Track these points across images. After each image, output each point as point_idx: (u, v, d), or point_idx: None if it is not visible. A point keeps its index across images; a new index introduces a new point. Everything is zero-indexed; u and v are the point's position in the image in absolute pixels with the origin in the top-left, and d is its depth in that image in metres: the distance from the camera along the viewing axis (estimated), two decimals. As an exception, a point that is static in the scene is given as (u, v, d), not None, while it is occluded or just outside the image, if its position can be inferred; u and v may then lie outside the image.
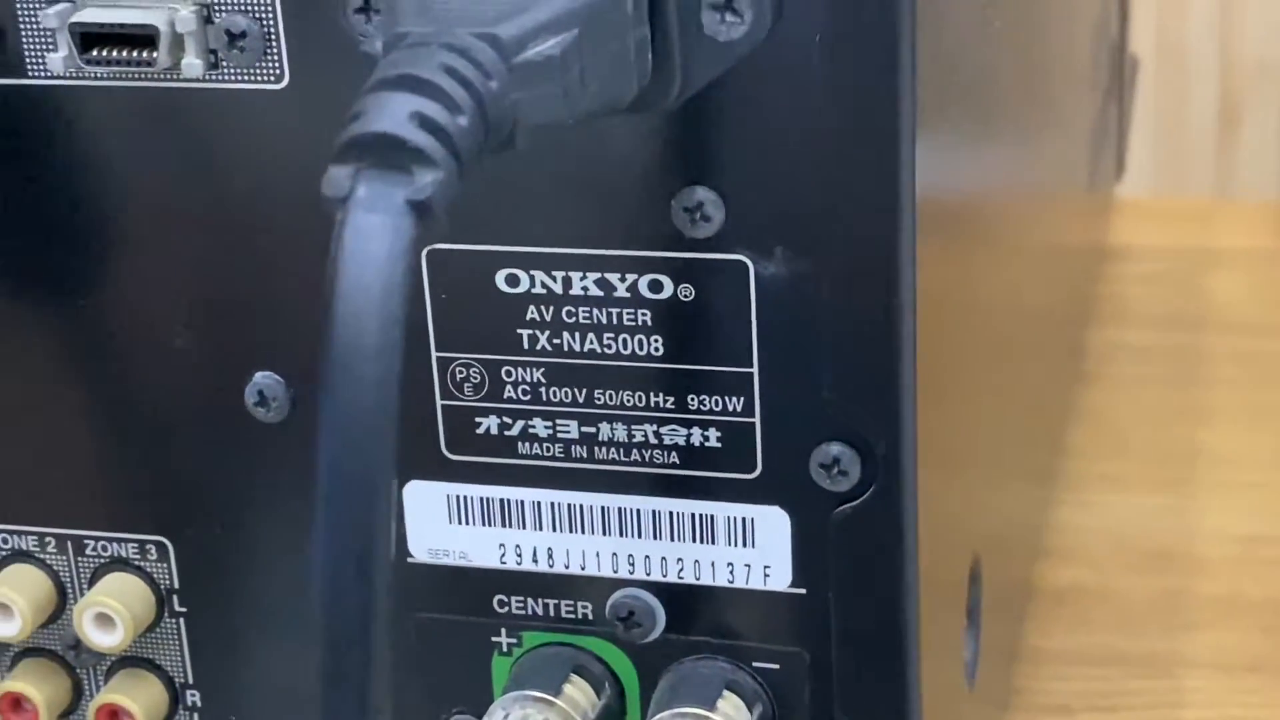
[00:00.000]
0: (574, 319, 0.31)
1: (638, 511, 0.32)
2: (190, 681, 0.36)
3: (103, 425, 0.34)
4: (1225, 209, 0.81)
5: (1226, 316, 0.68)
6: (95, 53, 0.31)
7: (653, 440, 0.32)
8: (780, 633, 0.32)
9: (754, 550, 0.32)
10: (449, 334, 0.32)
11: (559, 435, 0.32)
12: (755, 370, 0.31)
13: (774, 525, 0.32)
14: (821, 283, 0.30)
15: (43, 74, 0.32)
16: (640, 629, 0.33)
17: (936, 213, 0.31)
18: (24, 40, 0.32)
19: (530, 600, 0.33)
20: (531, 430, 0.32)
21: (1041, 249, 0.49)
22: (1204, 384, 0.63)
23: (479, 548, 0.33)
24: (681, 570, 0.32)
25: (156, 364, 0.33)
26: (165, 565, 0.35)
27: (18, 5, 0.31)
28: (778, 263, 0.30)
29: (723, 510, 0.32)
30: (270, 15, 0.30)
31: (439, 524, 0.33)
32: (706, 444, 0.31)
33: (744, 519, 0.32)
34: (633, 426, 0.32)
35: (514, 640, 0.34)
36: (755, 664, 0.32)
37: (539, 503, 0.32)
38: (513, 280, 0.31)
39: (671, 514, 0.32)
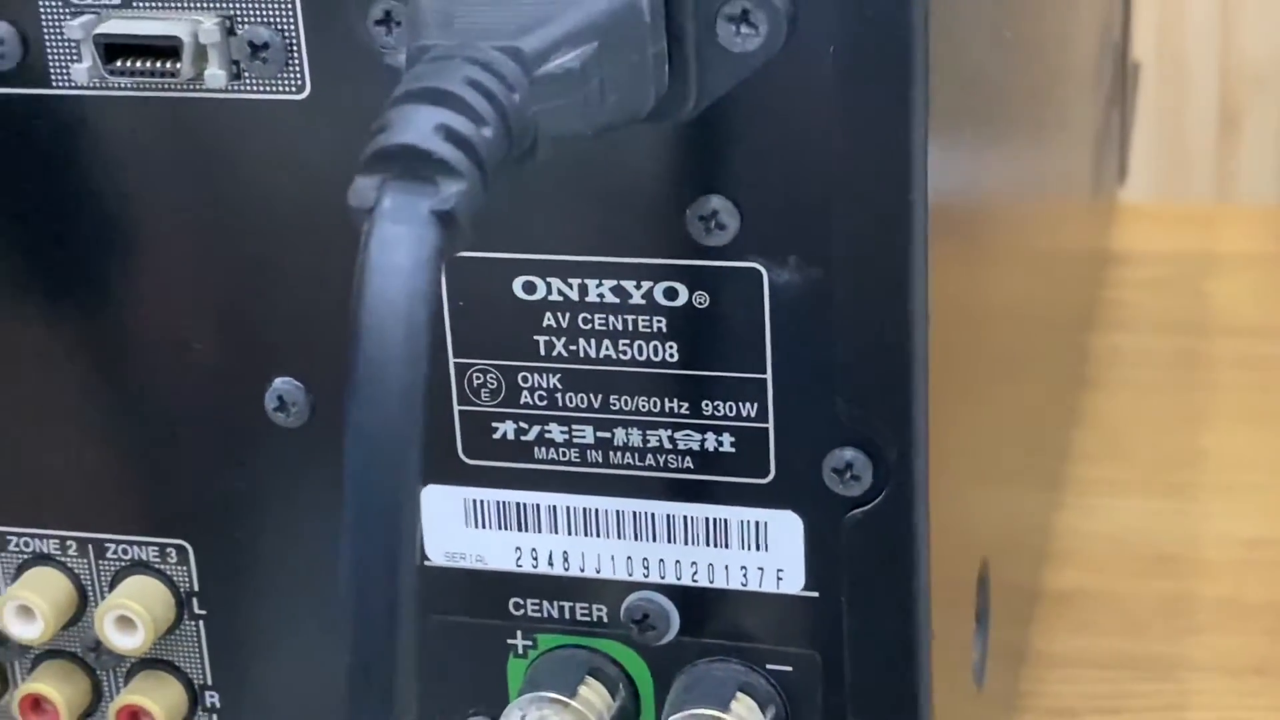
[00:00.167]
0: (590, 325, 0.32)
1: (652, 515, 0.32)
2: (209, 683, 0.36)
3: (123, 430, 0.34)
4: (1226, 214, 0.81)
5: (1228, 321, 0.68)
6: (119, 63, 0.31)
7: (667, 445, 0.32)
8: (793, 635, 0.33)
9: (767, 554, 0.32)
10: (466, 340, 0.32)
11: (575, 440, 0.32)
12: (769, 376, 0.31)
13: (787, 529, 0.32)
14: (835, 290, 0.30)
15: (67, 84, 0.32)
16: (655, 631, 0.33)
17: (948, 220, 0.31)
18: (48, 51, 0.32)
19: (546, 603, 0.34)
20: (548, 435, 0.32)
21: (1048, 254, 0.49)
22: (1206, 388, 0.64)
23: (495, 551, 0.33)
24: (695, 573, 0.33)
25: (177, 369, 0.34)
26: (185, 568, 0.35)
27: (43, 16, 0.32)
28: (791, 270, 0.30)
29: (736, 514, 0.32)
30: (292, 27, 0.31)
31: (456, 527, 0.33)
32: (720, 449, 0.32)
33: (757, 523, 0.32)
34: (648, 432, 0.32)
35: (529, 642, 0.34)
36: (768, 666, 0.33)
37: (555, 507, 0.33)
38: (529, 287, 0.32)
39: (686, 518, 0.32)
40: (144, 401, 0.34)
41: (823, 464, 0.31)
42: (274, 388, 0.33)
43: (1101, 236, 0.70)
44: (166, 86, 0.32)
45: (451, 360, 0.32)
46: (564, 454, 0.32)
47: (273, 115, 0.31)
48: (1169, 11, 0.93)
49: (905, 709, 0.32)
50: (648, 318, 0.31)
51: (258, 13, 0.31)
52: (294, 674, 0.36)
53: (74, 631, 0.36)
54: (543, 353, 0.32)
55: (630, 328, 0.31)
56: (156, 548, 0.35)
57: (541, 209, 0.31)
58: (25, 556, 0.36)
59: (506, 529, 0.33)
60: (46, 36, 0.32)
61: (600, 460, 0.32)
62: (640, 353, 0.31)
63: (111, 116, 0.32)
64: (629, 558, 0.33)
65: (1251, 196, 0.94)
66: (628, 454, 0.32)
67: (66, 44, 0.32)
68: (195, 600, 0.35)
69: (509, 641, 0.34)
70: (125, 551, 0.35)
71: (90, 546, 0.36)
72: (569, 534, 0.33)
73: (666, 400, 0.32)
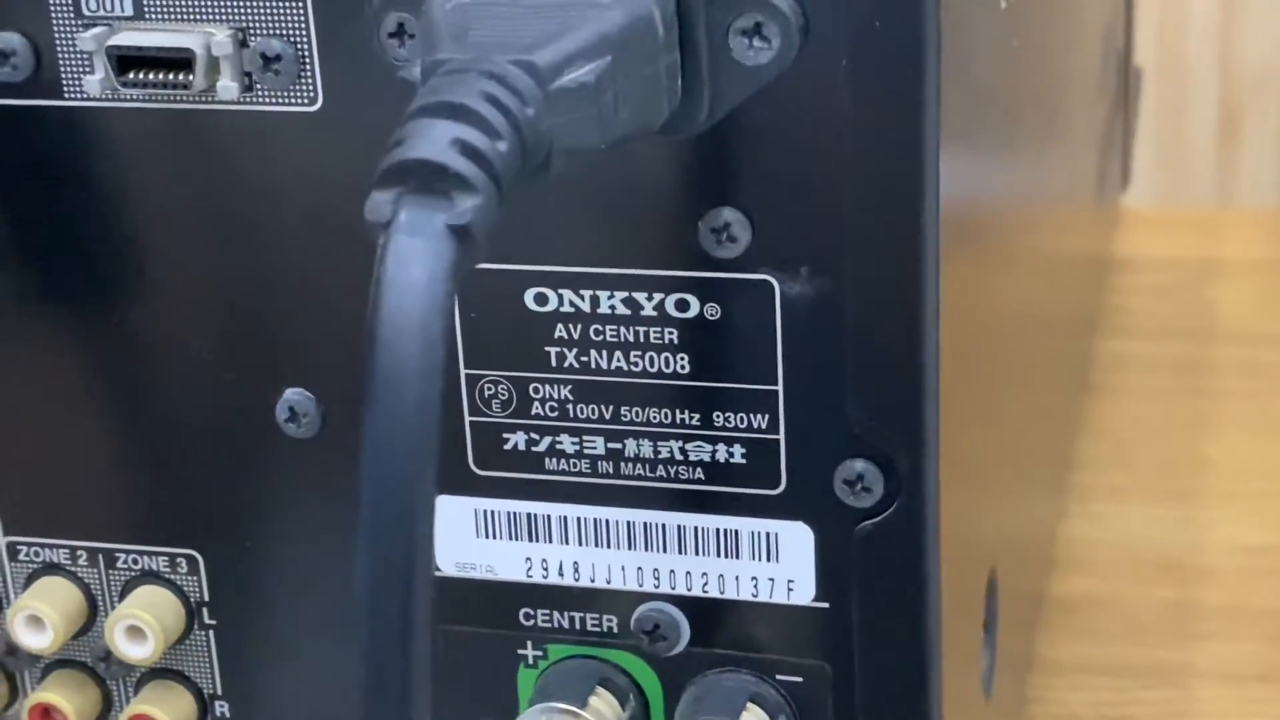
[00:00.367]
0: (601, 337, 0.32)
1: (663, 526, 0.33)
2: (219, 693, 0.36)
3: (134, 440, 0.35)
4: (1228, 219, 0.81)
5: (1232, 327, 0.69)
6: (131, 75, 0.31)
7: (678, 456, 0.32)
8: (803, 646, 0.33)
9: (778, 565, 0.32)
10: (478, 351, 0.32)
11: (586, 451, 0.32)
12: (780, 388, 0.31)
13: (798, 540, 0.32)
14: (846, 302, 0.30)
15: (79, 96, 0.32)
16: (665, 642, 0.33)
17: (959, 232, 0.31)
18: (61, 62, 0.32)
19: (556, 613, 0.34)
20: (559, 446, 0.32)
21: (1054, 261, 0.49)
22: (1210, 395, 0.64)
23: (506, 562, 0.33)
24: (706, 584, 0.33)
25: (188, 380, 0.34)
26: (196, 578, 0.35)
27: (55, 28, 0.32)
28: (803, 282, 0.30)
29: (747, 525, 0.32)
30: (305, 39, 0.31)
31: (466, 538, 0.33)
32: (731, 460, 0.32)
33: (768, 534, 0.32)
34: (659, 443, 0.32)
35: (540, 653, 0.34)
36: (779, 677, 0.33)
37: (565, 518, 0.33)
38: (541, 299, 0.32)
39: (696, 529, 0.32)
40: (154, 411, 0.34)
41: (834, 475, 0.31)
42: (285, 398, 0.33)
43: (1105, 242, 0.70)
44: (179, 98, 0.32)
45: (463, 371, 0.32)
46: (575, 465, 0.32)
47: (285, 127, 0.32)
48: (1170, 16, 0.93)
49: (916, 719, 0.32)
50: (659, 329, 0.31)
51: (270, 25, 0.31)
52: (304, 684, 0.36)
53: (84, 641, 0.36)
54: (554, 364, 0.32)
55: (641, 339, 0.31)
56: (167, 557, 0.35)
57: (554, 221, 0.31)
58: (35, 566, 0.36)
59: (517, 539, 0.33)
60: (59, 48, 0.32)
61: (611, 471, 0.32)
62: (651, 364, 0.32)
63: (123, 128, 0.32)
64: (639, 568, 0.33)
65: (1253, 200, 0.94)
66: (639, 465, 0.32)
67: (79, 55, 0.32)
68: (205, 610, 0.36)
69: (519, 652, 0.34)
70: (135, 561, 0.35)
71: (100, 556, 0.36)
72: (579, 544, 0.33)
73: (677, 411, 0.32)
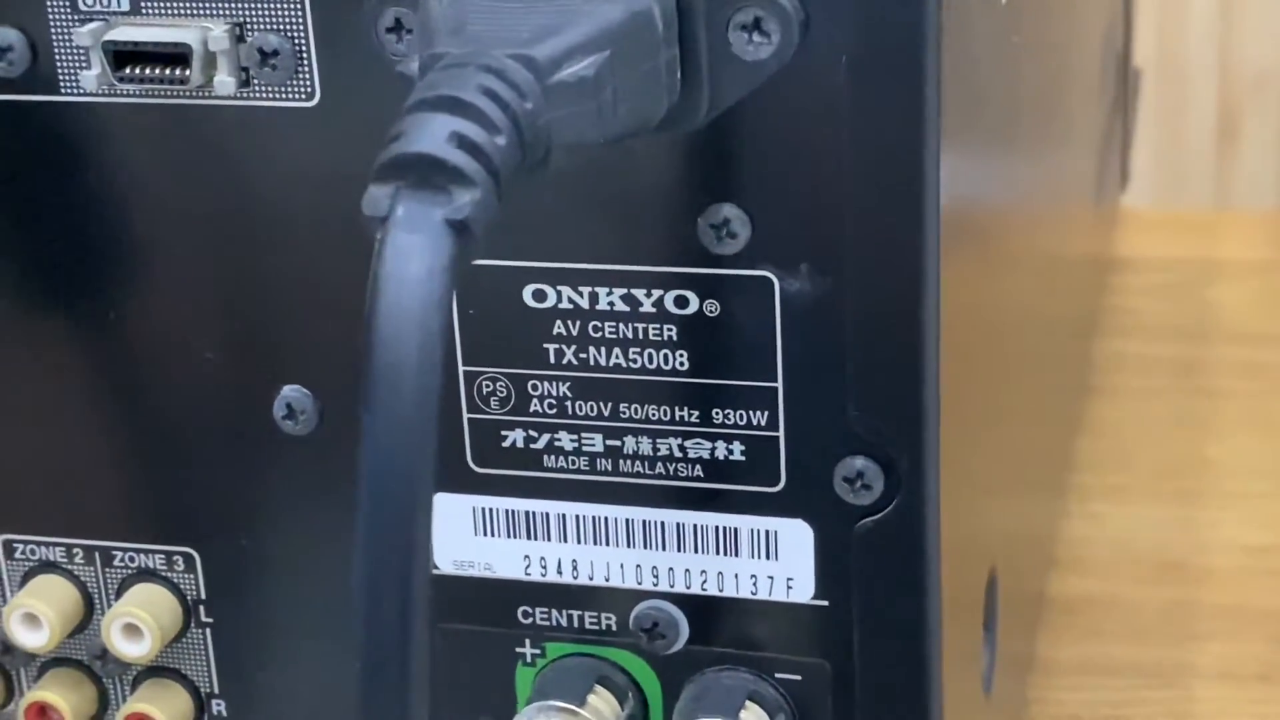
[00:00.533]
0: (600, 334, 0.32)
1: (662, 524, 0.32)
2: (216, 691, 0.36)
3: (131, 437, 0.34)
4: (1227, 220, 0.81)
5: (1231, 328, 0.69)
6: (128, 70, 0.31)
7: (677, 454, 0.32)
8: (803, 644, 0.33)
9: (777, 563, 0.32)
10: (476, 348, 0.32)
11: (584, 449, 0.32)
12: (779, 385, 0.31)
13: (797, 538, 0.32)
14: (846, 298, 0.30)
15: (76, 91, 0.32)
16: (664, 640, 0.33)
17: (959, 229, 0.31)
18: (57, 58, 0.32)
19: (554, 611, 0.34)
20: (557, 444, 0.32)
21: (1054, 261, 0.49)
22: (1210, 395, 0.64)
23: (504, 559, 0.33)
24: (705, 582, 0.33)
25: (185, 377, 0.34)
26: (192, 576, 0.35)
27: (51, 23, 0.32)
28: (803, 279, 0.30)
29: (746, 523, 0.32)
30: (302, 34, 0.31)
31: (464, 536, 0.33)
32: (731, 457, 0.32)
33: (767, 532, 0.32)
34: (658, 440, 0.32)
35: (538, 651, 0.34)
36: (778, 675, 0.33)
37: (564, 515, 0.33)
38: (540, 295, 0.32)
39: (695, 527, 0.32)
40: (150, 408, 0.34)
41: (834, 473, 0.31)
42: (282, 396, 0.33)
43: (1104, 243, 0.70)
44: (175, 93, 0.32)
45: (461, 368, 0.32)
46: (573, 462, 0.32)
47: (282, 122, 0.31)
48: (1169, 18, 0.93)
49: (916, 717, 0.32)
50: (658, 326, 0.31)
51: (267, 20, 0.31)
52: (301, 682, 0.36)
53: (80, 639, 0.36)
54: (552, 361, 0.32)
55: (640, 336, 0.31)
56: (163, 555, 0.35)
57: (552, 217, 0.31)
58: (31, 564, 0.36)
59: (515, 537, 0.33)
60: (55, 43, 0.32)
61: (610, 469, 0.32)
62: (650, 361, 0.31)
63: (120, 123, 0.32)
64: (638, 566, 0.33)
65: (1252, 201, 0.94)
66: (637, 462, 0.32)
67: (75, 51, 0.32)
68: (202, 608, 0.35)
69: (517, 650, 0.34)
70: (132, 559, 0.35)
71: (97, 554, 0.36)
72: (578, 542, 0.33)
73: (677, 408, 0.32)
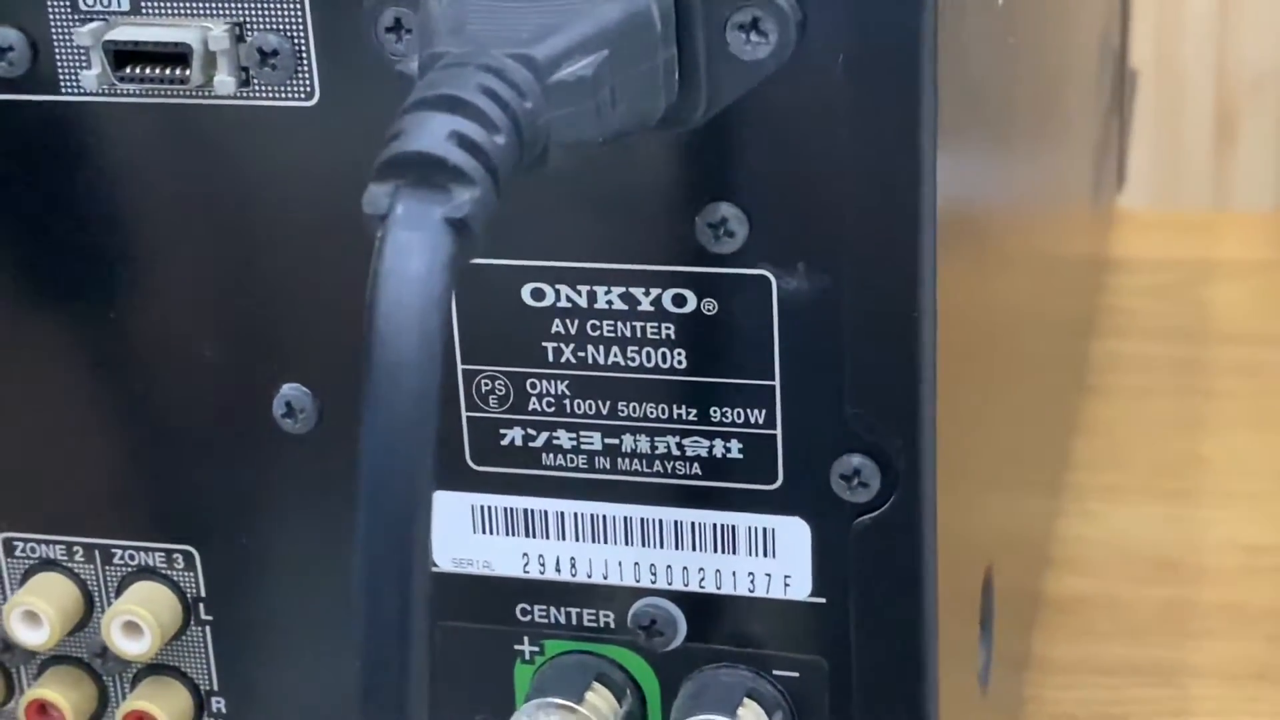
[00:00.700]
0: (598, 332, 0.32)
1: (660, 522, 0.33)
2: (215, 689, 0.36)
3: (131, 436, 0.35)
4: (1223, 221, 0.81)
5: (1227, 328, 0.69)
6: (128, 70, 0.31)
7: (675, 452, 0.32)
8: (800, 641, 0.33)
9: (774, 560, 0.32)
10: (475, 347, 0.32)
11: (583, 447, 0.32)
12: (777, 383, 0.31)
13: (794, 535, 0.32)
14: (844, 297, 0.30)
15: (76, 91, 0.32)
16: (662, 637, 0.33)
17: (956, 228, 0.31)
18: (58, 57, 0.32)
19: (553, 609, 0.34)
20: (555, 442, 0.32)
21: (1050, 261, 0.49)
22: (1205, 395, 0.64)
23: (503, 557, 0.33)
24: (703, 580, 0.33)
25: (185, 375, 0.34)
26: (192, 574, 0.35)
27: (52, 22, 0.32)
28: (800, 277, 0.30)
29: (744, 520, 0.32)
30: (301, 34, 0.31)
31: (463, 534, 0.33)
32: (728, 455, 0.32)
33: (765, 529, 0.32)
34: (655, 438, 0.32)
35: (536, 648, 0.34)
36: (775, 672, 0.33)
37: (562, 513, 0.33)
38: (538, 294, 0.32)
39: (693, 524, 0.32)
40: (150, 407, 0.34)
41: (831, 470, 0.31)
42: (282, 394, 0.33)
43: (1101, 243, 0.70)
44: (176, 93, 0.32)
45: (460, 367, 0.32)
46: (572, 460, 0.32)
47: (281, 122, 0.32)
48: (1166, 19, 0.93)
49: (912, 715, 0.32)
50: (656, 324, 0.31)
51: (267, 20, 0.31)
52: (300, 680, 0.36)
53: (80, 637, 0.36)
54: (551, 359, 0.32)
55: (638, 334, 0.31)
56: (163, 553, 0.35)
57: (551, 216, 0.31)
58: (32, 562, 0.36)
59: (514, 535, 0.33)
60: (56, 43, 0.32)
61: (608, 466, 0.32)
62: (649, 359, 0.32)
63: (120, 123, 0.32)
64: (636, 564, 0.33)
65: (1248, 202, 0.94)
66: (636, 460, 0.32)
67: (76, 51, 0.32)
68: (202, 606, 0.36)
69: (516, 647, 0.34)
70: (132, 557, 0.35)
71: (97, 552, 0.36)
72: (576, 540, 0.33)
73: (674, 407, 0.32)
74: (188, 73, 0.31)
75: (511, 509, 0.33)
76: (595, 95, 0.27)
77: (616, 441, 0.32)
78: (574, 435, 0.32)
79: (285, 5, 0.31)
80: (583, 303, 0.31)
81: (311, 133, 0.31)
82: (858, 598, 0.32)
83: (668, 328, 0.31)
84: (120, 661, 0.36)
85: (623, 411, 0.32)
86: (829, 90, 0.29)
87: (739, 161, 0.30)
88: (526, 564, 0.33)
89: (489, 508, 0.33)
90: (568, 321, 0.32)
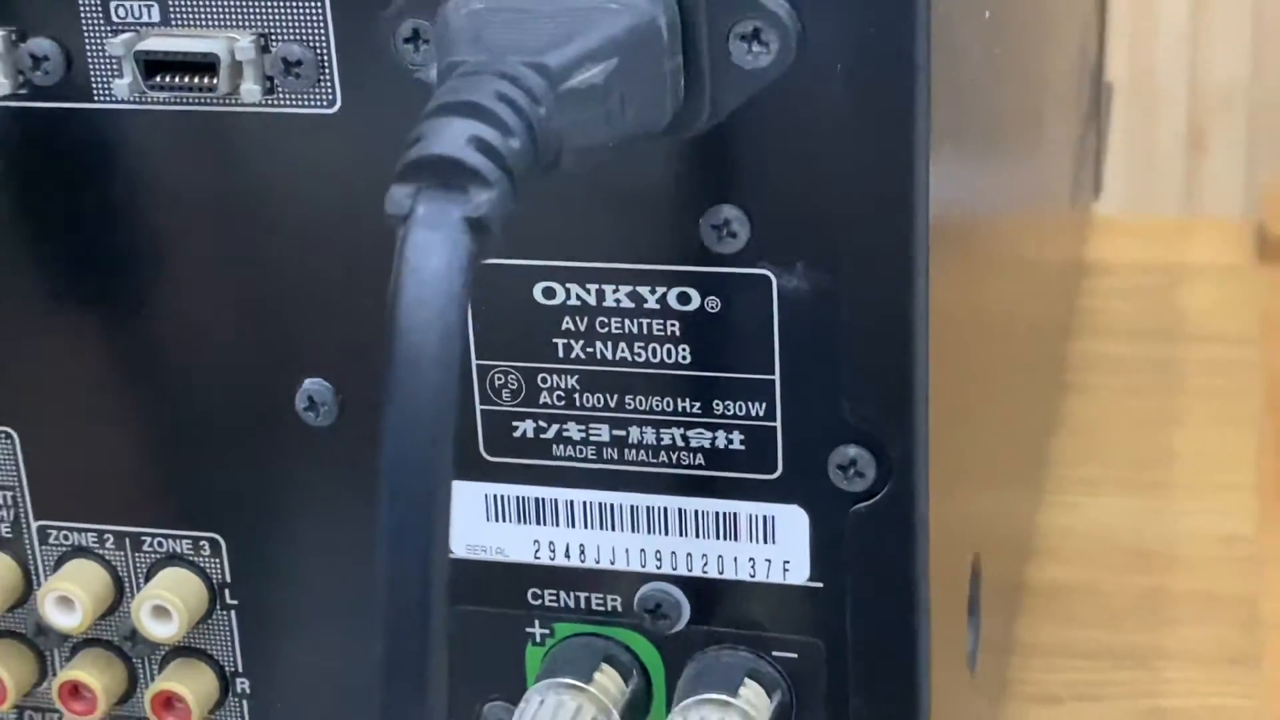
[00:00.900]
0: (606, 329, 0.32)
1: (665, 510, 0.33)
2: (240, 670, 0.36)
3: (160, 428, 0.35)
4: (1195, 227, 0.81)
5: (1198, 329, 0.69)
6: (158, 79, 0.31)
7: (679, 443, 0.32)
8: (798, 624, 0.33)
9: (774, 546, 0.32)
10: (488, 343, 0.32)
11: (591, 438, 0.32)
12: (777, 377, 0.31)
13: (793, 523, 0.32)
14: (841, 295, 0.30)
15: (109, 99, 0.32)
16: (667, 620, 0.33)
17: (947, 231, 0.31)
18: (91, 67, 0.32)
19: (563, 594, 0.34)
20: (566, 434, 0.32)
21: (1033, 265, 0.49)
22: (1178, 392, 0.64)
23: (515, 544, 0.33)
24: (706, 565, 0.33)
25: (211, 370, 0.34)
26: (218, 561, 0.35)
27: (85, 33, 0.32)
28: (800, 277, 0.30)
29: (745, 509, 0.32)
30: (324, 44, 0.31)
31: (477, 522, 0.33)
32: (730, 446, 0.32)
33: (765, 517, 0.32)
34: (661, 430, 0.32)
35: (547, 631, 0.34)
36: (775, 653, 0.33)
37: (572, 502, 0.33)
38: (549, 293, 0.32)
39: (697, 512, 0.32)
40: (179, 400, 0.34)
41: (828, 461, 0.31)
42: (304, 388, 0.33)
43: (1079, 248, 0.70)
44: (204, 101, 0.32)
45: (474, 362, 0.32)
46: (581, 451, 0.32)
47: (305, 128, 0.32)
48: (1140, 36, 0.93)
49: (905, 694, 0.32)
50: (662, 321, 0.31)
51: (291, 31, 0.31)
52: (322, 661, 0.36)
53: (111, 621, 0.36)
54: (561, 355, 0.32)
55: (645, 331, 0.31)
56: (190, 541, 0.35)
57: (562, 217, 0.31)
58: (65, 549, 0.36)
59: (526, 523, 0.33)
60: (89, 53, 0.32)
61: (616, 457, 0.32)
62: (654, 355, 0.32)
63: (151, 129, 0.32)
64: (642, 550, 0.33)
65: (1218, 210, 0.94)
66: (642, 451, 0.32)
67: (108, 60, 0.32)
68: (227, 591, 0.36)
69: (527, 630, 0.34)
70: (160, 544, 0.35)
71: (127, 540, 0.36)
72: (585, 528, 0.33)
73: (679, 400, 0.32)
74: (215, 81, 0.31)
75: (523, 498, 0.33)
76: (605, 102, 0.27)
77: (624, 433, 0.32)
78: (583, 427, 0.32)
79: (308, 17, 0.31)
80: (592, 301, 0.31)
81: (333, 139, 0.31)
82: (853, 582, 0.32)
83: (673, 325, 0.31)
84: (149, 644, 0.36)
85: (630, 405, 0.32)
86: (827, 98, 0.29)
87: (741, 166, 0.30)
88: (537, 550, 0.33)
89: (502, 497, 0.33)
90: (577, 319, 0.32)
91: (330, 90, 0.31)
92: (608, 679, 0.33)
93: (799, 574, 0.32)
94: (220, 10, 0.31)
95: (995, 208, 0.39)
